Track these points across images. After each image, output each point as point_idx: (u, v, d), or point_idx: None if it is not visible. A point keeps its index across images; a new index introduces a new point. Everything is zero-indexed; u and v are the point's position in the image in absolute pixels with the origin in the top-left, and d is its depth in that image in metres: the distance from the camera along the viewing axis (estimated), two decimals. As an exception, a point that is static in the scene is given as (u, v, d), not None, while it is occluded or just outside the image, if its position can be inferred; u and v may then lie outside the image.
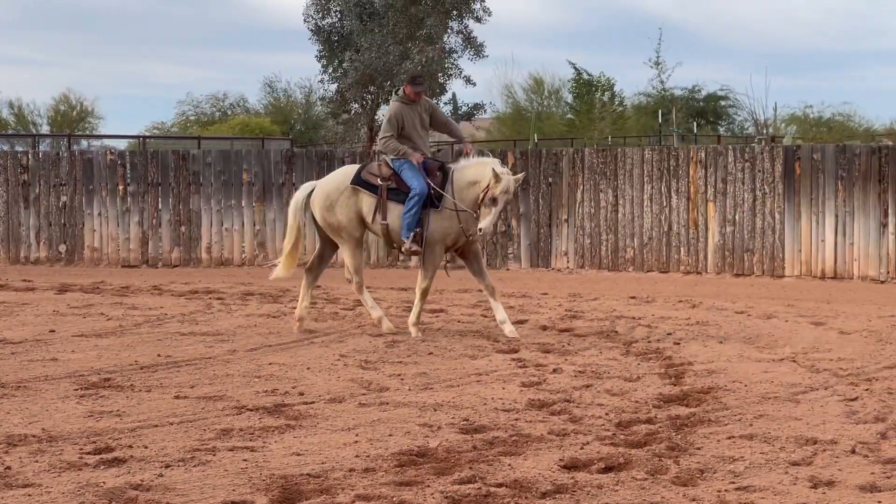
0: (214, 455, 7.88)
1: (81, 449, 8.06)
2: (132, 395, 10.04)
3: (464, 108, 38.69)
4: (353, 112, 37.57)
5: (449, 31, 36.08)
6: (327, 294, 18.26)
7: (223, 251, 23.72)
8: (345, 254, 14.49)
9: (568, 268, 22.16)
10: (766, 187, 20.82)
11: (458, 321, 15.16)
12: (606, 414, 9.32)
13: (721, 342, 13.26)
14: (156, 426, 8.81)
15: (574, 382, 10.72)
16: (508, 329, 13.58)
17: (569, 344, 13.19)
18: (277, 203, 23.49)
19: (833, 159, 20.45)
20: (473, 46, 36.33)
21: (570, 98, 52.80)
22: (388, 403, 9.73)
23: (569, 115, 52.46)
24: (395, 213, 13.85)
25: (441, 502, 6.77)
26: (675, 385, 10.60)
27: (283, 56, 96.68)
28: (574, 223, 22.19)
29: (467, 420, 9.06)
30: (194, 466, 7.58)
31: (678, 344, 13.07)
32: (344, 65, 35.22)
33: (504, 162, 14.52)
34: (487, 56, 36.81)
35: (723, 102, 51.70)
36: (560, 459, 7.77)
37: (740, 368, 11.44)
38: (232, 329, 14.28)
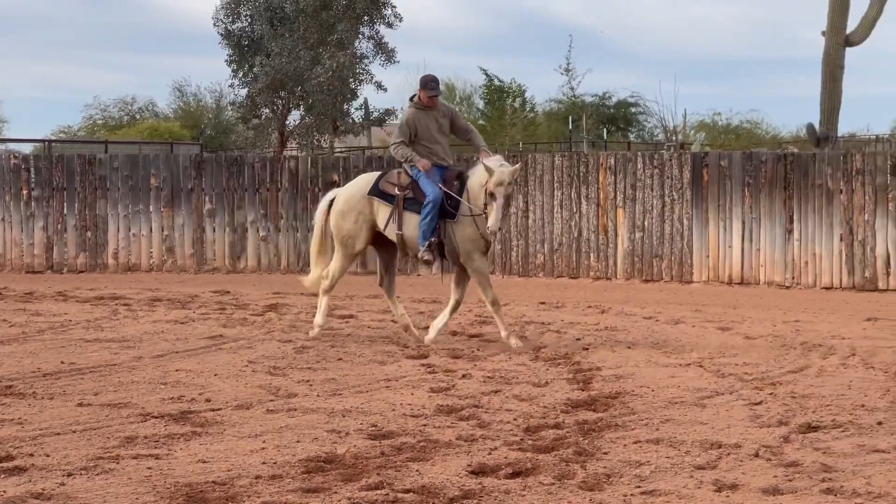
0: (118, 463, 7.79)
1: (-18, 457, 7.95)
2: (34, 403, 9.91)
3: (375, 114, 38.58)
4: (263, 117, 37.31)
5: (360, 36, 35.95)
6: (236, 300, 18.15)
7: (130, 257, 23.49)
8: (335, 259, 14.17)
9: (478, 273, 22.16)
10: (674, 194, 21.00)
11: (368, 326, 15.14)
12: (515, 419, 9.34)
13: (629, 347, 13.35)
14: (58, 434, 8.70)
15: (483, 388, 10.74)
16: (514, 342, 13.24)
17: (478, 349, 13.21)
18: (186, 208, 23.32)
19: (740, 166, 20.68)
20: (385, 52, 36.23)
21: (481, 104, 52.99)
22: (296, 410, 9.69)
23: (480, 122, 52.56)
24: (412, 223, 13.54)
25: (348, 509, 6.76)
26: (583, 390, 10.65)
27: (192, 60, 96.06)
28: (484, 229, 22.20)
29: (376, 426, 9.04)
30: (97, 475, 7.49)
31: (587, 349, 13.15)
32: (254, 69, 34.99)
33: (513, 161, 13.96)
34: (399, 62, 36.90)
35: (633, 109, 52.11)
36: (468, 465, 7.78)
37: (648, 373, 11.53)
38: (138, 335, 14.14)
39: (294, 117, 36.98)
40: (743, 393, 10.48)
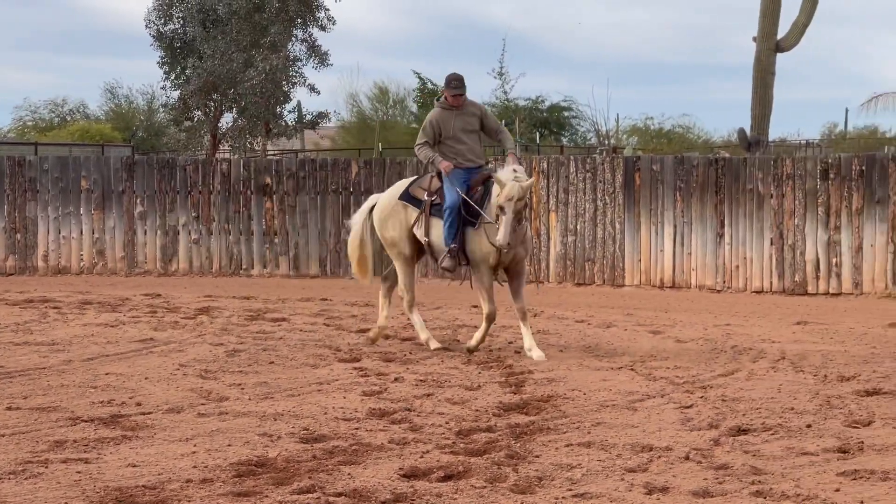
0: (47, 467, 7.72)
1: None
2: (-37, 407, 9.82)
3: (308, 117, 38.52)
4: (195, 119, 37.17)
5: (293, 39, 35.89)
6: (167, 303, 18.05)
7: (60, 259, 23.32)
8: (397, 270, 13.78)
9: (411, 277, 22.16)
10: (606, 197, 21.11)
11: (301, 330, 15.09)
12: (447, 423, 9.34)
13: (561, 351, 13.40)
14: (-14, 438, 8.63)
15: (415, 391, 10.74)
16: (536, 354, 12.69)
17: (411, 353, 13.21)
18: (117, 210, 23.19)
19: (672, 170, 20.81)
20: (318, 55, 36.19)
21: (414, 108, 52.93)
22: (227, 413, 9.64)
23: (413, 125, 52.56)
24: (438, 229, 13.20)
25: (279, 513, 6.74)
26: (515, 393, 10.67)
27: (124, 62, 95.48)
28: (417, 232, 22.22)
29: (307, 429, 9.02)
30: (25, 479, 7.43)
31: (519, 353, 13.17)
32: (186, 71, 34.86)
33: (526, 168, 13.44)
34: (332, 65, 36.76)
35: (566, 113, 52.20)
36: (400, 468, 7.77)
37: (579, 377, 11.57)
38: (68, 339, 14.03)
39: (227, 120, 36.87)
40: (674, 396, 10.54)
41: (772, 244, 20.06)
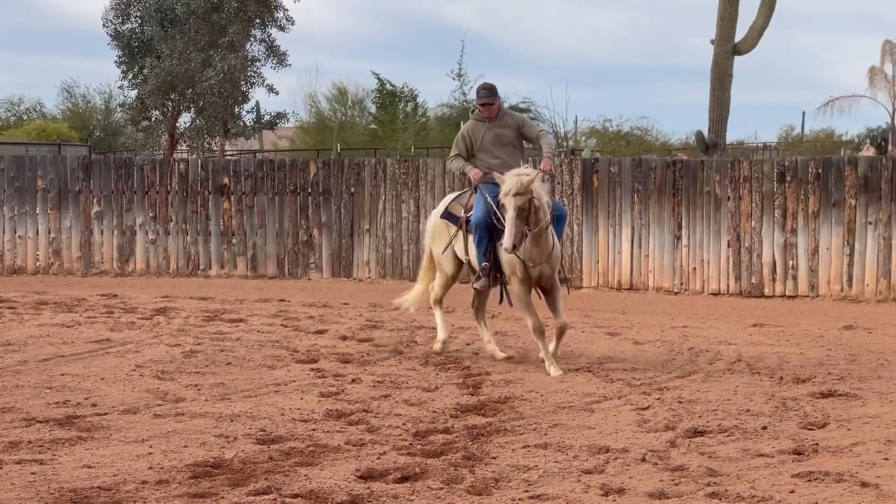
0: (1, 468, 7.68)
1: None
2: (-84, 408, 9.75)
3: (267, 117, 38.48)
4: (153, 119, 37.09)
5: (252, 39, 35.91)
6: (124, 303, 17.96)
7: (16, 259, 23.20)
8: (436, 277, 13.37)
9: (370, 278, 22.19)
10: (564, 199, 21.12)
11: (258, 331, 15.04)
12: (404, 424, 9.35)
13: (518, 352, 13.41)
14: (-60, 439, 8.57)
15: (372, 392, 10.73)
16: (554, 371, 11.86)
17: (368, 354, 13.20)
18: (74, 210, 23.08)
19: (630, 172, 20.87)
20: (276, 55, 36.21)
21: (373, 108, 52.90)
22: (184, 414, 9.61)
23: (372, 126, 52.54)
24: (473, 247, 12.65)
25: (235, 514, 6.73)
26: (472, 395, 10.69)
27: (81, 61, 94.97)
28: (376, 233, 22.24)
29: (264, 430, 9.01)
30: (-20, 480, 7.39)
31: (477, 354, 13.18)
32: (144, 71, 34.77)
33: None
34: (291, 65, 36.82)
35: (524, 115, 52.32)
36: (357, 469, 7.78)
37: (537, 378, 11.60)
38: (23, 339, 13.93)
39: (184, 120, 36.79)
40: (631, 398, 10.57)
41: (729, 246, 20.16)
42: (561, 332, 12.30)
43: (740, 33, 28.72)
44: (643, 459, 8.14)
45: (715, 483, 7.51)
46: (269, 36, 36.06)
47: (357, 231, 22.34)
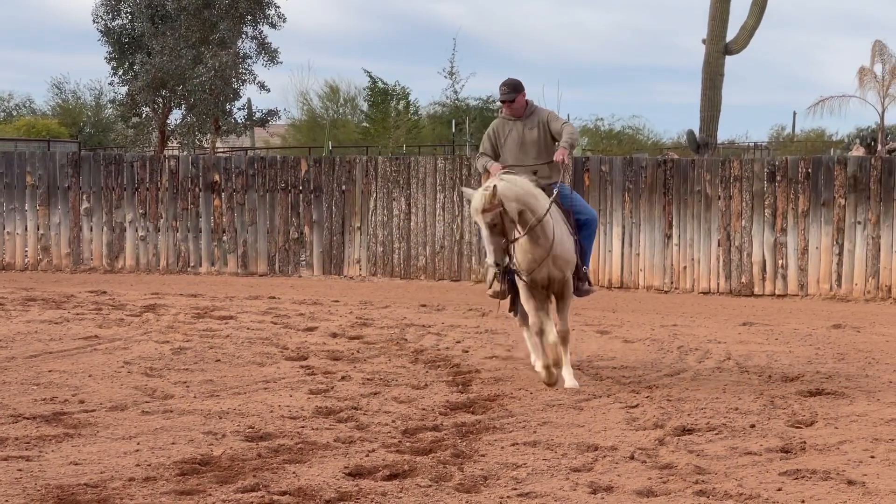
0: (-12, 465, 7.68)
1: None
2: None
3: (258, 115, 38.44)
4: (144, 115, 37.03)
5: (243, 36, 35.87)
6: (113, 300, 17.95)
7: (5, 255, 23.17)
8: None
9: (360, 275, 22.19)
10: (555, 198, 21.13)
11: (248, 328, 15.03)
12: (393, 421, 9.35)
13: (508, 350, 13.42)
14: (-72, 435, 8.56)
15: (362, 390, 10.73)
16: (569, 382, 11.07)
17: (358, 351, 13.19)
18: (63, 206, 23.05)
19: (621, 171, 20.88)
20: (268, 52, 36.18)
21: (365, 106, 52.92)
22: (172, 411, 9.60)
23: (364, 124, 52.53)
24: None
25: (223, 511, 6.73)
26: (462, 392, 10.68)
27: (71, 57, 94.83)
28: (367, 231, 22.23)
29: (253, 427, 9.00)
30: (-33, 476, 7.38)
31: (467, 352, 13.18)
32: (135, 67, 34.71)
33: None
34: (282, 62, 37.01)
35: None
36: (345, 467, 7.77)
37: (526, 376, 11.59)
38: (11, 335, 13.92)
39: (175, 116, 36.75)
40: (620, 396, 10.58)
41: (719, 245, 20.18)
42: (563, 340, 11.20)
43: (731, 33, 28.75)
44: (632, 457, 8.15)
45: (703, 481, 7.51)
46: (260, 33, 36.04)
47: (348, 229, 22.33)
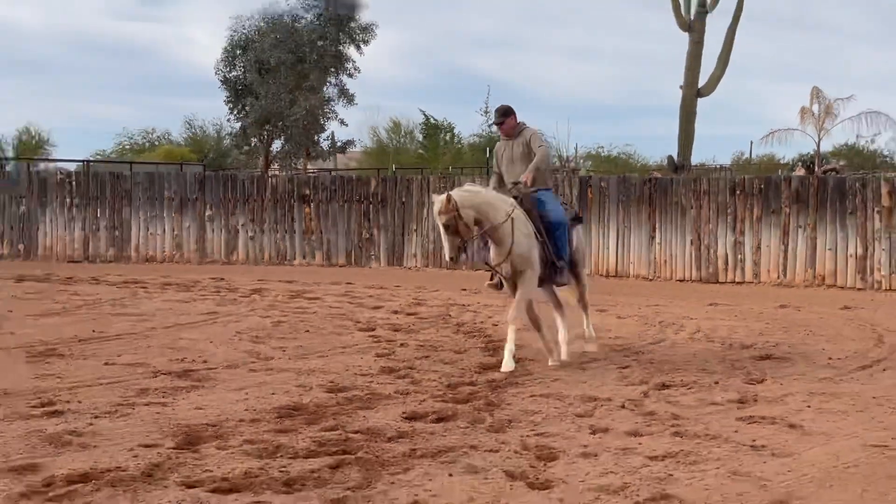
0: (134, 409, 7.74)
1: (29, 403, 7.87)
2: (71, 362, 9.82)
3: (339, 143, 38.45)
4: (253, 144, 37.09)
5: (328, 83, 35.83)
6: (229, 285, 18.02)
7: (148, 250, 23.31)
8: None
9: (416, 266, 22.17)
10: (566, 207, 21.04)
11: (330, 306, 15.07)
12: (439, 378, 9.35)
13: (526, 326, 13.35)
14: (89, 386, 8.63)
15: (416, 354, 10.74)
16: (563, 355, 10.40)
17: (413, 324, 13.20)
18: (192, 214, 23.17)
19: (616, 187, 20.79)
20: (346, 96, 36.11)
21: (420, 137, 52.83)
22: (272, 369, 9.65)
23: (419, 151, 52.47)
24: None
25: (310, 445, 6.73)
26: (492, 356, 10.66)
27: (199, 100, 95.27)
28: (421, 232, 22.23)
29: (333, 382, 9.02)
30: (118, 417, 7.44)
31: (496, 325, 13.16)
32: (246, 108, 34.78)
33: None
34: (357, 104, 36.72)
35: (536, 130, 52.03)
36: (403, 412, 7.78)
37: (539, 346, 11.52)
38: (152, 311, 14.02)
39: (276, 145, 36.78)
40: (614, 359, 10.55)
41: (692, 244, 20.05)
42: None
43: (703, 80, 28.54)
44: (623, 406, 8.12)
45: (678, 424, 7.48)
46: (341, 81, 35.98)
47: (407, 231, 22.33)
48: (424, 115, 51.15)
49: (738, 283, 19.53)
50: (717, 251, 19.86)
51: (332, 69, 35.63)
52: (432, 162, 45.90)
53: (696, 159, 34.74)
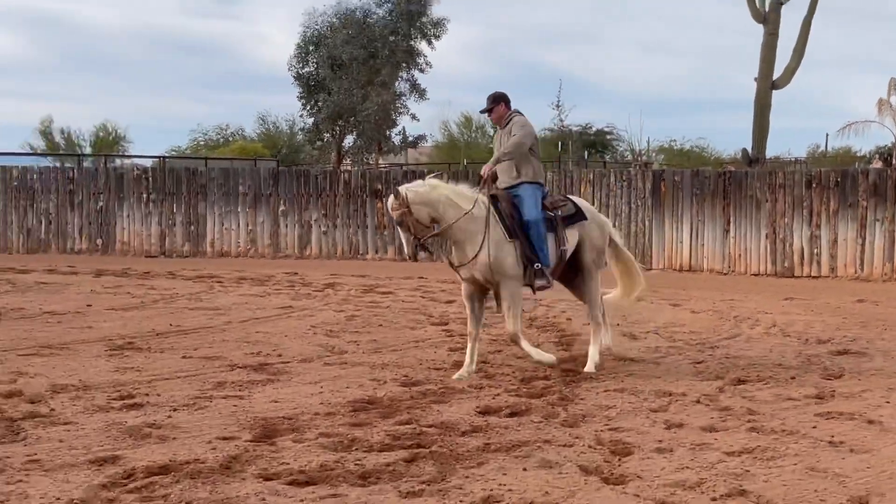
0: (211, 402, 7.84)
1: (109, 396, 8.01)
2: (149, 355, 9.97)
3: (411, 138, 38.59)
4: (325, 140, 37.33)
5: (399, 79, 35.95)
6: (302, 279, 18.17)
7: (223, 245, 23.57)
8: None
9: (488, 261, 22.14)
10: (638, 201, 20.94)
11: (403, 301, 15.13)
12: (513, 372, 9.34)
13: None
14: (167, 379, 8.75)
15: (489, 348, 10.73)
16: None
17: (486, 320, 13.14)
18: (266, 209, 23.38)
19: (689, 181, 20.61)
20: (418, 91, 36.21)
21: (491, 132, 52.79)
22: (346, 363, 9.71)
23: (490, 145, 52.44)
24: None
25: (384, 439, 6.76)
26: (566, 350, 10.64)
27: (272, 97, 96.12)
28: (493, 227, 22.19)
29: (407, 376, 9.06)
30: (196, 410, 7.54)
31: (570, 320, 13.11)
32: (318, 104, 35.02)
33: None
34: (429, 98, 36.76)
35: (608, 136, 51.76)
36: (477, 407, 7.79)
37: (615, 339, 11.42)
38: (228, 305, 14.18)
39: (348, 140, 36.98)
40: (689, 354, 10.46)
41: (767, 238, 19.82)
42: (511, 340, 9.59)
43: (777, 72, 28.18)
44: (698, 401, 8.05)
45: (754, 420, 7.40)
46: (412, 77, 36.08)
47: (478, 225, 22.29)
48: (495, 109, 50.97)
49: (815, 277, 19.26)
50: (792, 245, 19.60)
51: (404, 64, 35.73)
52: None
53: (770, 152, 34.33)
